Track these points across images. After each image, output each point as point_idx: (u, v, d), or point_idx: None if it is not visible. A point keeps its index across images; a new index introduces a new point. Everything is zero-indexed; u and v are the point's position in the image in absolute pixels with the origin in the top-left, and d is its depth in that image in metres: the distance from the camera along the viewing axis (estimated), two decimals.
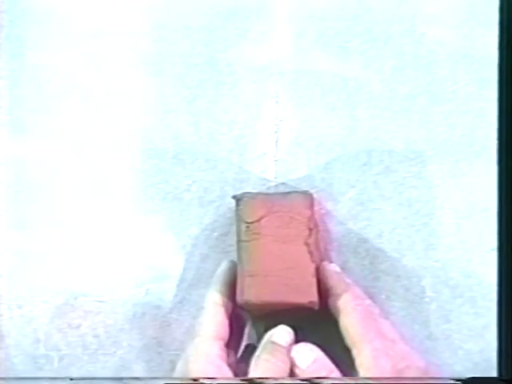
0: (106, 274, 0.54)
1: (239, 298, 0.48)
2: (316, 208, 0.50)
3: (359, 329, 0.47)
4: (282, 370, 0.47)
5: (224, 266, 0.51)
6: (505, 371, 0.50)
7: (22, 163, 0.54)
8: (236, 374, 0.48)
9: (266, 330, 0.49)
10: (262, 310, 0.49)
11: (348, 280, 0.50)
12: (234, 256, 0.51)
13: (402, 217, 0.53)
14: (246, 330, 0.52)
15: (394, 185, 0.53)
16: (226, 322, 0.49)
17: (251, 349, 0.51)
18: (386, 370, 0.46)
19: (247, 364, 0.49)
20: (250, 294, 0.47)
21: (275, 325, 0.49)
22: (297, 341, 0.48)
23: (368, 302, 0.50)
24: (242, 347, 0.51)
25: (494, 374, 0.51)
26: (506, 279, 0.51)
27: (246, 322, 0.52)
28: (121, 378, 0.53)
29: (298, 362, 0.47)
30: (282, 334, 0.48)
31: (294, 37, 0.54)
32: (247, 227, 0.48)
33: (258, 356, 0.47)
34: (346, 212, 0.53)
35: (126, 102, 0.54)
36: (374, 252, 0.52)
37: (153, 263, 0.54)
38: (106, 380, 0.53)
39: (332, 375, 0.47)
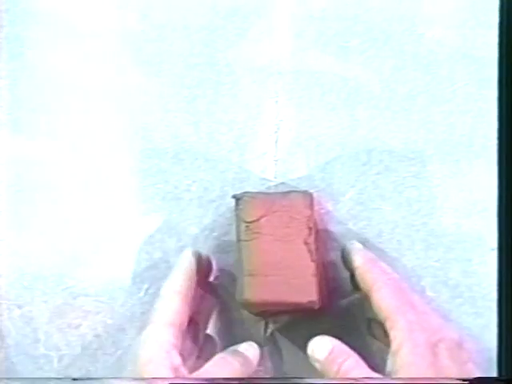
0: (106, 273, 0.54)
1: (239, 298, 0.48)
2: (316, 208, 0.50)
3: (392, 302, 0.46)
4: (233, 371, 0.46)
5: (185, 254, 0.49)
6: (505, 371, 0.50)
7: (21, 163, 0.54)
8: (190, 364, 0.47)
9: (266, 329, 0.49)
10: (261, 310, 0.49)
11: (373, 255, 0.49)
12: (234, 256, 0.51)
13: (401, 217, 0.53)
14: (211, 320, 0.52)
15: (394, 185, 0.53)
16: (183, 310, 0.47)
17: (209, 339, 0.51)
18: (420, 344, 0.44)
19: (206, 354, 0.49)
20: (249, 293, 0.47)
21: (275, 324, 0.49)
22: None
23: (397, 276, 0.49)
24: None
25: (493, 374, 0.51)
26: (506, 279, 0.51)
27: (211, 312, 0.52)
28: (120, 378, 0.53)
29: (316, 355, 0.47)
30: (246, 346, 0.48)
31: (294, 37, 0.54)
32: (247, 227, 0.48)
33: (218, 354, 0.47)
34: (346, 212, 0.53)
35: (126, 102, 0.54)
36: (374, 252, 0.52)
37: (153, 263, 0.54)
38: (106, 380, 0.53)
39: (350, 359, 0.46)
